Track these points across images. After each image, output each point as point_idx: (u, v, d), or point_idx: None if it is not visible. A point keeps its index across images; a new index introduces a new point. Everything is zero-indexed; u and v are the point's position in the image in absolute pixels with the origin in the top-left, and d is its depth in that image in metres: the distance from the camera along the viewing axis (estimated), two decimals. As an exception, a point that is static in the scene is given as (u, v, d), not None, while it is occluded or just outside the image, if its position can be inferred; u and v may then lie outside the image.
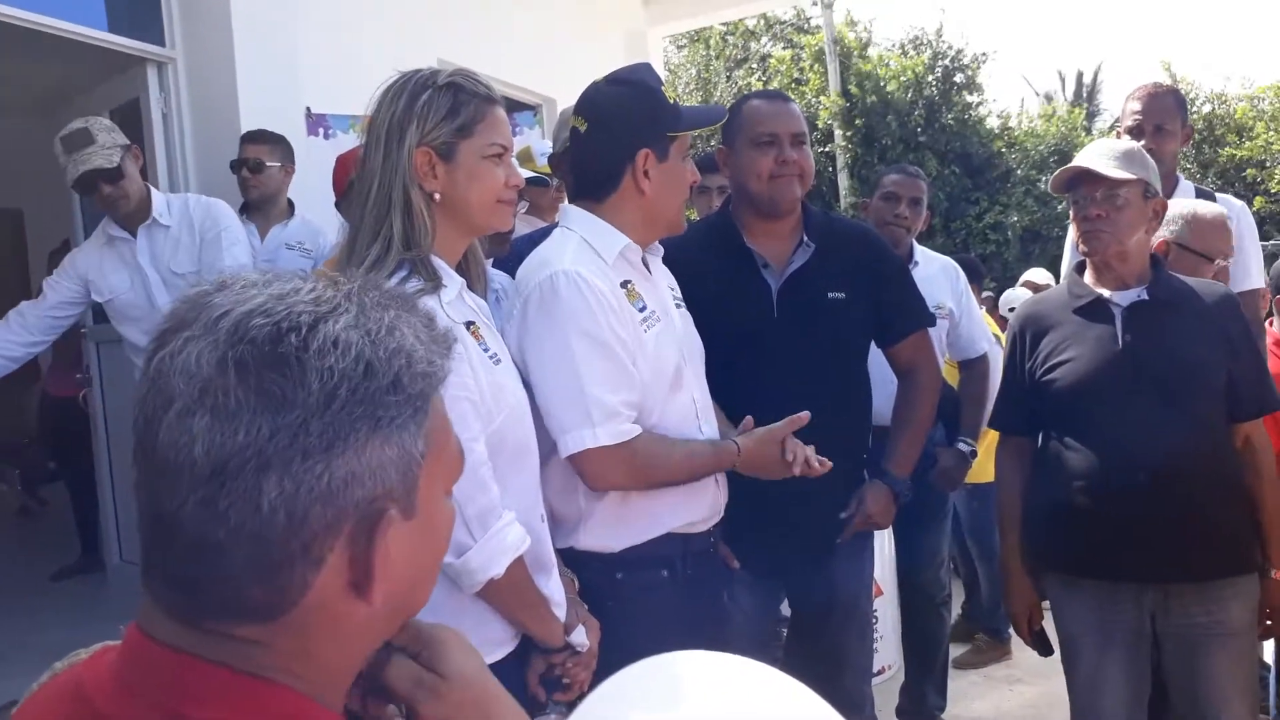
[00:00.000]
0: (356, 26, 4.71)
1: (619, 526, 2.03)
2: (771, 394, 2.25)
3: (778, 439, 2.06)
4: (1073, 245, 2.88)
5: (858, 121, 14.97)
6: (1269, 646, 3.18)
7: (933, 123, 15.12)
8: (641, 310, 2.03)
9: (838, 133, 15.06)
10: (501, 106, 1.76)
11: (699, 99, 16.83)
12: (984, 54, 16.20)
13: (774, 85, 16.25)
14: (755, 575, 2.48)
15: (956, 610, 4.55)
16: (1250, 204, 10.51)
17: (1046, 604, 2.54)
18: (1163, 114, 3.22)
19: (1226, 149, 15.66)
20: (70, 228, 5.25)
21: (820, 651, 2.62)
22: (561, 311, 1.91)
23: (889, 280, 2.60)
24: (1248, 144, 15.63)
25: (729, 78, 17.53)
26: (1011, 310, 4.45)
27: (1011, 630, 2.68)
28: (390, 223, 1.65)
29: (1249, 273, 3.08)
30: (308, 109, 4.46)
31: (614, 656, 1.77)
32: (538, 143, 3.97)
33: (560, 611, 1.81)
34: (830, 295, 2.47)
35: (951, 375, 3.61)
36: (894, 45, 16.80)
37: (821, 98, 15.32)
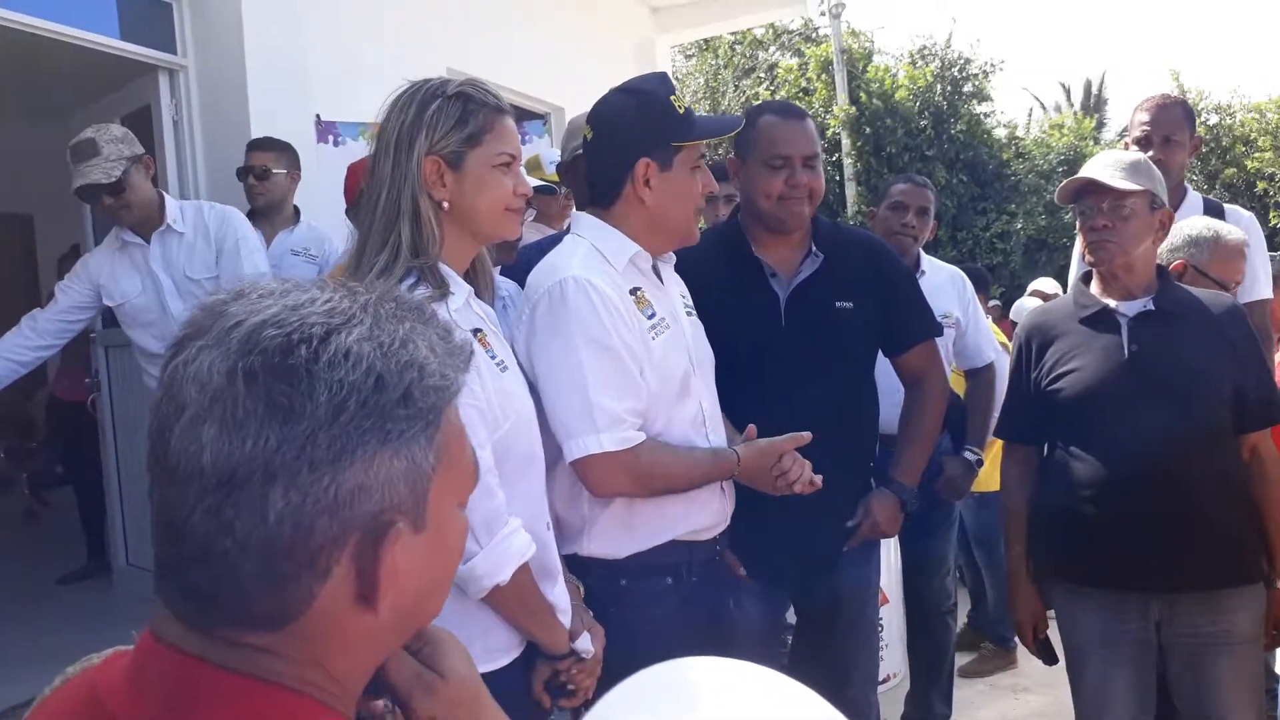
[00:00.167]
0: (366, 35, 4.73)
1: (624, 533, 2.03)
2: (778, 403, 2.25)
3: (776, 453, 2.06)
4: (1080, 255, 2.88)
5: (865, 129, 14.96)
6: None
7: (941, 133, 15.11)
8: (650, 317, 2.03)
9: (845, 141, 15.05)
10: (510, 116, 1.77)
11: (706, 108, 16.84)
12: (993, 64, 16.19)
13: (781, 95, 16.24)
14: (761, 583, 2.48)
15: (962, 619, 4.54)
16: (1265, 218, 10.48)
17: (1051, 613, 2.54)
18: (1171, 125, 3.22)
19: (1231, 168, 15.61)
20: (80, 233, 5.28)
21: (826, 659, 2.62)
22: (569, 317, 1.92)
23: (897, 290, 2.60)
24: (1256, 156, 15.59)
25: (737, 87, 17.54)
26: (1024, 319, 4.44)
27: (1017, 639, 2.67)
28: (399, 230, 1.66)
29: (1258, 283, 3.07)
30: (317, 116, 4.48)
31: (619, 663, 1.78)
32: (546, 151, 3.98)
33: (565, 618, 1.82)
34: (838, 305, 2.47)
35: (958, 384, 3.61)
36: (902, 55, 16.81)
37: (834, 107, 15.30)
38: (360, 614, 0.73)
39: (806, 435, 2.05)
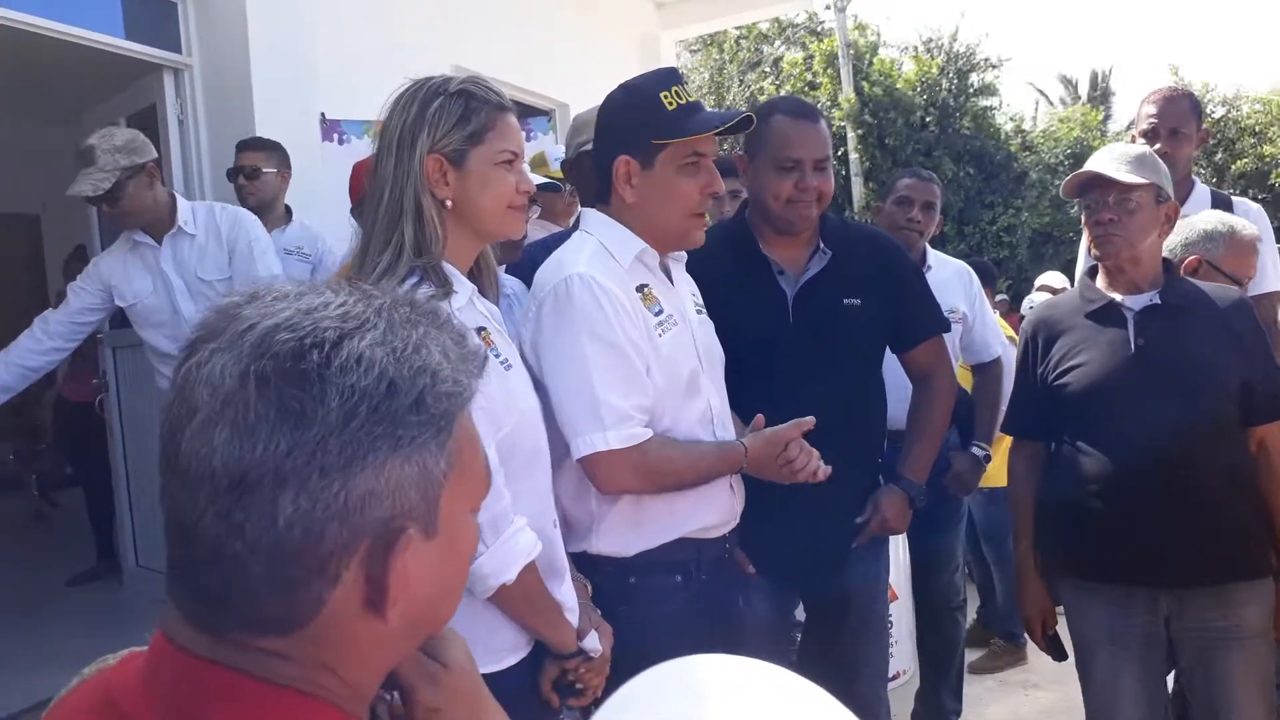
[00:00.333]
0: (371, 33, 4.73)
1: (632, 531, 2.03)
2: (786, 400, 2.25)
3: (782, 441, 2.05)
4: (1086, 249, 2.87)
5: (868, 119, 14.94)
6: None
7: (947, 126, 15.08)
8: (657, 314, 2.03)
9: (850, 134, 15.03)
10: (513, 113, 1.77)
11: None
12: (1000, 59, 16.17)
13: (786, 89, 16.23)
14: (770, 580, 2.48)
15: (971, 615, 4.54)
16: (1278, 209, 10.42)
17: (1061, 608, 2.53)
18: (1178, 117, 3.21)
19: (1244, 158, 15.52)
20: (86, 233, 5.30)
21: (835, 656, 2.61)
22: (575, 315, 1.91)
23: (905, 286, 2.60)
24: (1267, 147, 15.50)
25: (742, 81, 17.52)
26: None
27: (1027, 635, 2.67)
28: (402, 230, 1.66)
29: (1266, 275, 3.06)
30: (322, 115, 4.49)
31: (627, 662, 1.78)
32: (551, 148, 3.98)
33: (573, 617, 1.82)
34: (846, 301, 2.47)
35: (964, 379, 3.61)
36: (908, 48, 16.77)
37: (840, 99, 15.28)
38: (370, 620, 0.73)
39: (810, 420, 2.04)
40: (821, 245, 2.49)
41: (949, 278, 3.51)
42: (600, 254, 2.02)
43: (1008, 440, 2.70)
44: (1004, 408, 2.88)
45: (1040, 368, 2.47)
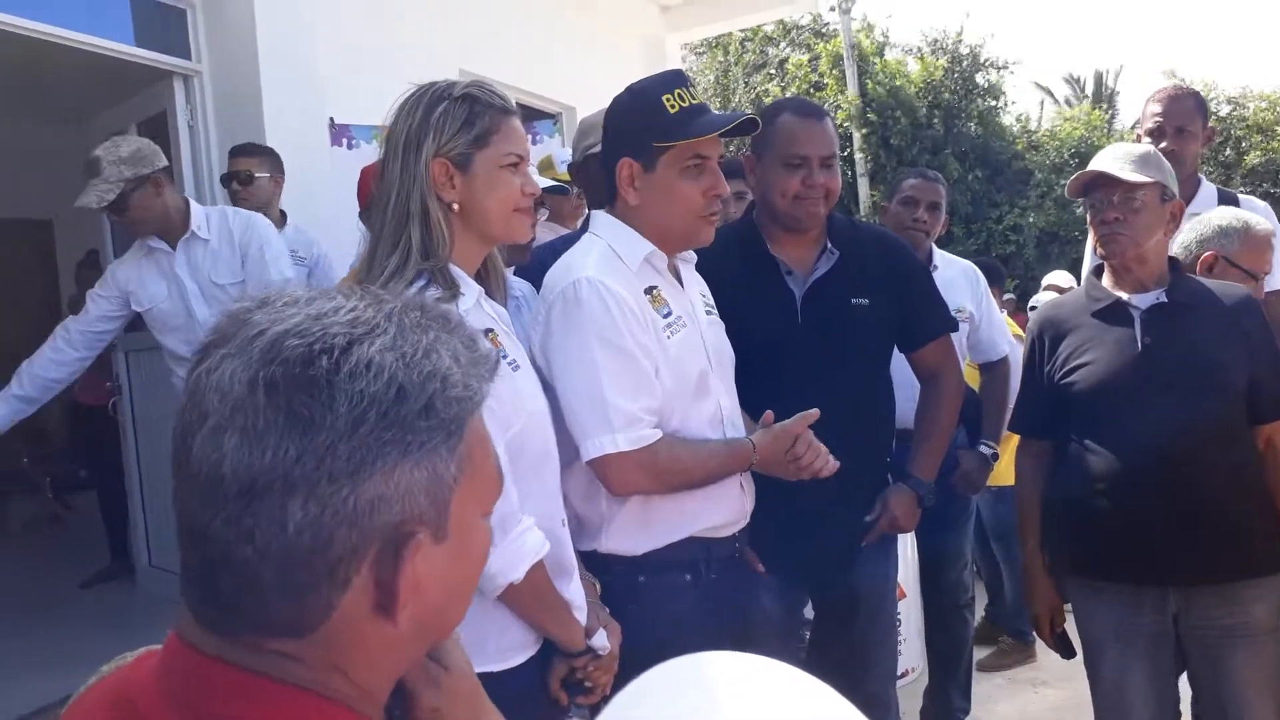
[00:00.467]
0: (378, 38, 4.75)
1: (642, 530, 2.04)
2: (795, 400, 2.25)
3: (790, 436, 2.05)
4: (1092, 248, 2.88)
5: (871, 117, 14.91)
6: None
7: (952, 127, 15.05)
8: (666, 316, 2.04)
9: (855, 135, 15.00)
10: (517, 116, 1.78)
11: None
12: (1008, 62, 16.14)
13: (791, 91, 16.19)
14: (779, 578, 2.48)
15: (979, 613, 4.54)
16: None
17: (1069, 606, 2.53)
18: (1184, 116, 3.21)
19: (1255, 152, 15.44)
20: (99, 238, 5.33)
21: (844, 654, 2.62)
22: (583, 318, 1.93)
23: (913, 285, 2.60)
24: (1276, 143, 15.41)
25: (747, 83, 17.49)
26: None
27: (1035, 633, 2.67)
28: (408, 233, 1.67)
29: (1275, 273, 3.06)
30: (331, 120, 4.50)
31: (635, 660, 1.78)
32: (558, 151, 4.00)
33: (581, 615, 1.83)
34: (854, 301, 2.47)
35: (972, 378, 3.61)
36: (912, 49, 16.74)
37: (843, 99, 15.26)
38: (380, 624, 0.73)
39: (815, 413, 2.05)
40: (829, 245, 2.49)
41: (955, 277, 3.51)
42: (608, 257, 2.03)
43: (1016, 439, 2.71)
44: (1011, 406, 2.89)
45: (1047, 367, 2.47)
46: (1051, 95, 22.38)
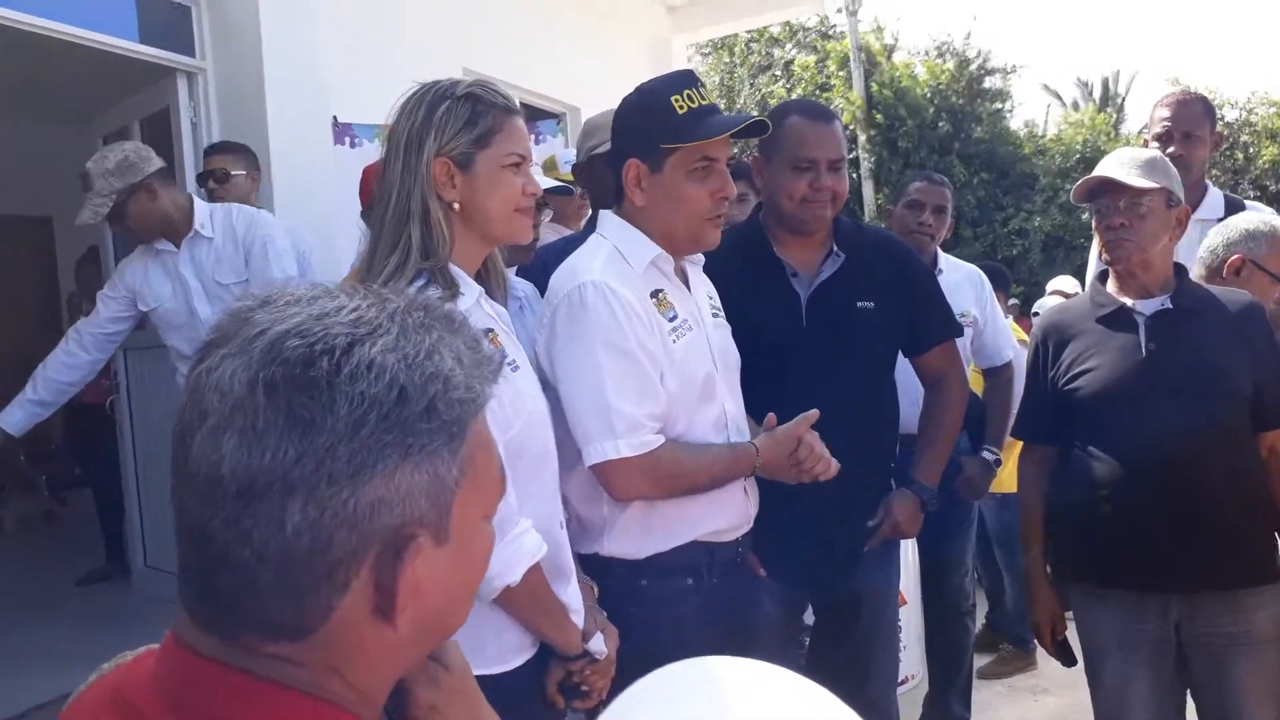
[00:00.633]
0: (382, 36, 4.75)
1: (644, 534, 2.03)
2: (799, 403, 2.24)
3: (792, 439, 2.05)
4: (1097, 254, 2.86)
5: (877, 117, 14.92)
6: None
7: (960, 131, 15.06)
8: (671, 320, 2.03)
9: (860, 136, 15.01)
10: (520, 116, 1.77)
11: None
12: (1013, 66, 16.17)
13: (798, 92, 16.21)
14: (781, 583, 2.47)
15: (980, 620, 4.52)
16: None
17: (1070, 613, 2.52)
18: (1191, 121, 3.20)
19: (1267, 152, 15.39)
20: (99, 235, 5.32)
21: (845, 660, 2.61)
22: (588, 322, 1.92)
23: (918, 289, 2.60)
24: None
25: (753, 85, 17.51)
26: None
27: (1036, 640, 2.66)
28: (409, 232, 1.66)
29: None
30: (334, 118, 4.50)
31: (635, 664, 1.77)
32: (562, 151, 3.99)
33: (578, 618, 1.82)
34: (859, 305, 2.47)
35: (976, 382, 3.60)
36: (920, 53, 16.76)
37: (844, 101, 15.27)
38: (380, 627, 0.73)
39: (814, 413, 2.04)
40: (835, 248, 2.48)
41: (960, 281, 3.50)
42: (615, 259, 2.02)
43: (1019, 444, 2.70)
44: (1015, 412, 2.87)
45: (1051, 372, 2.46)
46: (1059, 99, 22.38)
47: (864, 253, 2.51)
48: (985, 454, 3.45)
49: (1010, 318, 4.64)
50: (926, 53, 16.51)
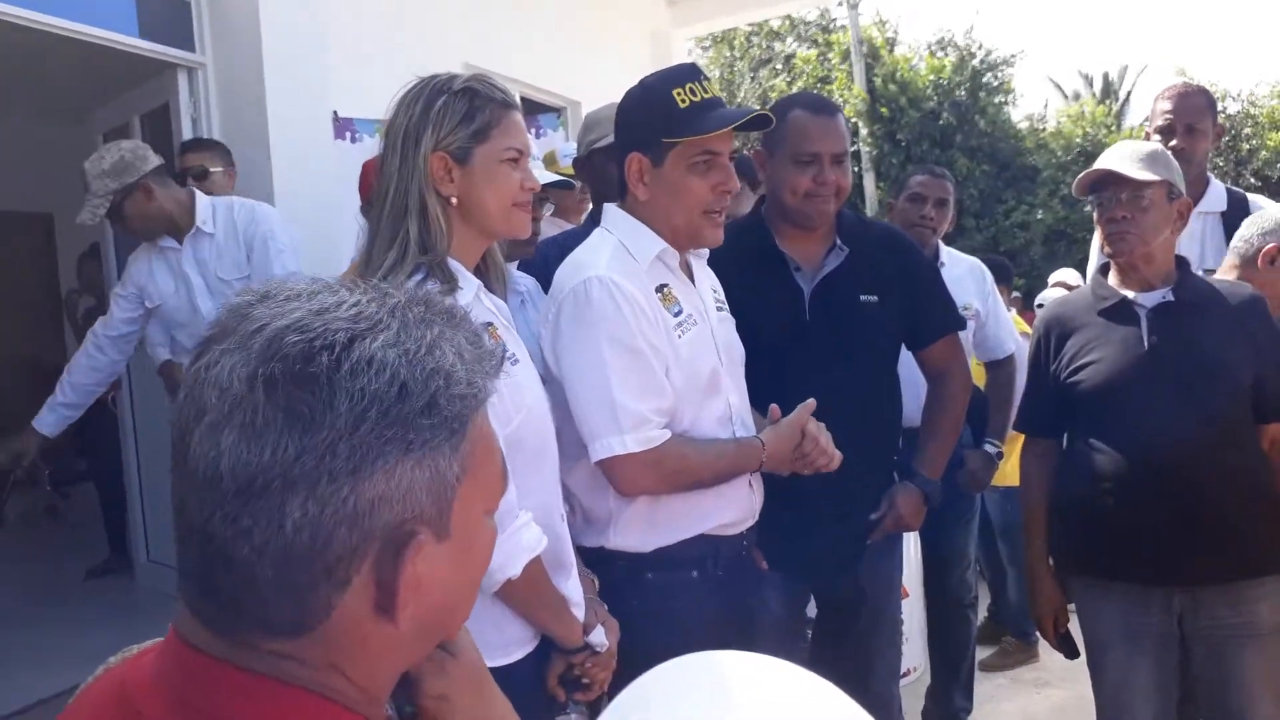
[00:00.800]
0: (383, 31, 4.74)
1: (650, 527, 2.03)
2: (802, 398, 2.25)
3: (796, 430, 2.05)
4: (1098, 247, 2.86)
5: (882, 110, 14.89)
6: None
7: (963, 125, 15.04)
8: (677, 315, 2.02)
9: (863, 130, 14.99)
10: (518, 111, 1.77)
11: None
12: (1014, 55, 16.12)
13: (799, 86, 16.20)
14: (784, 576, 2.47)
15: (982, 612, 4.52)
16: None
17: (1073, 606, 2.52)
18: (1193, 113, 3.19)
19: (1271, 142, 15.35)
20: (100, 232, 5.31)
21: (848, 653, 2.61)
22: (594, 318, 1.91)
23: (921, 283, 2.59)
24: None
25: (753, 78, 17.49)
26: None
27: (1039, 633, 2.66)
28: (407, 227, 1.66)
29: None
30: (334, 113, 4.49)
31: (638, 657, 1.77)
32: (562, 146, 3.98)
33: (579, 611, 1.82)
34: (862, 298, 2.47)
35: (978, 375, 3.60)
36: (922, 46, 16.73)
37: (846, 94, 15.24)
38: (381, 624, 0.72)
39: (811, 403, 2.06)
40: (838, 242, 2.48)
41: (963, 274, 3.50)
42: (620, 254, 2.01)
43: (1022, 437, 2.69)
44: (1017, 404, 2.87)
45: (1053, 365, 2.46)
46: (1061, 90, 22.33)
47: (867, 246, 2.51)
48: (988, 447, 3.45)
49: (1012, 310, 4.63)
50: (928, 46, 16.49)
